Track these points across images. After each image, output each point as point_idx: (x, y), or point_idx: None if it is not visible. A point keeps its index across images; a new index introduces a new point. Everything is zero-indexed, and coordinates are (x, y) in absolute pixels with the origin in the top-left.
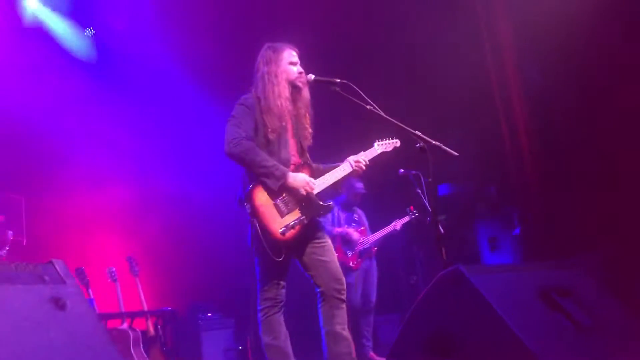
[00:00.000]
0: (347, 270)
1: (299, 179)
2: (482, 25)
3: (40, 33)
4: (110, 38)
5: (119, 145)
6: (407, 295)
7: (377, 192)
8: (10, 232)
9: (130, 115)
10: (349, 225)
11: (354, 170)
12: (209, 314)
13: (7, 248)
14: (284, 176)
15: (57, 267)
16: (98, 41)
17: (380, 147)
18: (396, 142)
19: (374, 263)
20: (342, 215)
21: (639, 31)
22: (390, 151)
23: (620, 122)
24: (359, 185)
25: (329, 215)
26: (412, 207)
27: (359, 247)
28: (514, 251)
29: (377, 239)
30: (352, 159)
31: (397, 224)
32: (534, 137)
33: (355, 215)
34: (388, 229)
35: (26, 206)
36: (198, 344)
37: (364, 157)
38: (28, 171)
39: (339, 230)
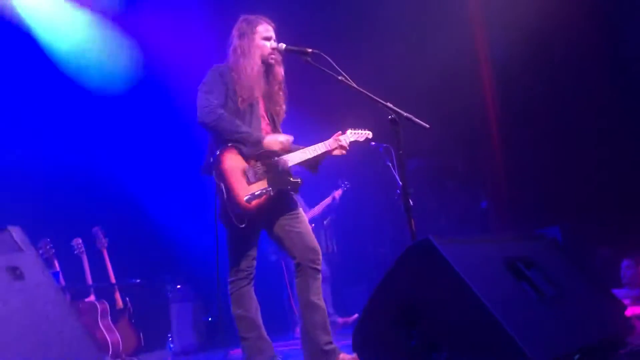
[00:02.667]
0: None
1: (275, 140)
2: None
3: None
4: None
5: (85, 113)
6: (376, 267)
7: (344, 164)
8: None
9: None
10: None
11: (327, 151)
12: (177, 286)
13: None
14: (258, 139)
15: (13, 234)
16: None
17: (353, 135)
18: (368, 134)
19: (329, 234)
20: None
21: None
22: (362, 142)
23: (581, 95)
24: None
25: None
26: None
27: None
28: (481, 224)
29: (314, 215)
30: (327, 142)
31: (336, 194)
32: (501, 111)
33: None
34: (325, 202)
35: None
36: (167, 316)
37: (344, 138)
38: None
39: None
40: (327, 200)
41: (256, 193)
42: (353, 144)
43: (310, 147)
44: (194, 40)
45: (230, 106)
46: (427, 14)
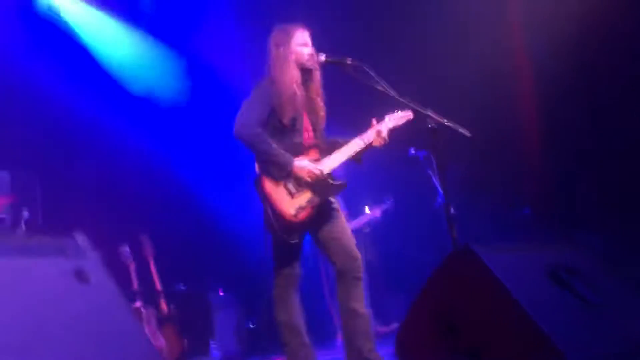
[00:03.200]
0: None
1: (303, 165)
2: (491, 5)
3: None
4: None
5: (137, 124)
6: (417, 275)
7: (386, 172)
8: (25, 212)
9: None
10: None
11: (367, 145)
12: (221, 293)
13: (23, 227)
14: (288, 164)
15: (78, 240)
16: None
17: (392, 121)
18: (409, 114)
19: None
20: None
21: None
22: (403, 124)
23: (627, 102)
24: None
25: None
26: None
27: None
28: (524, 231)
29: (354, 228)
30: (364, 135)
31: (377, 211)
32: (544, 117)
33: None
34: (367, 217)
35: (41, 185)
36: (210, 322)
37: (382, 129)
38: (44, 149)
39: None
40: (368, 217)
41: (302, 205)
42: (395, 129)
43: (348, 145)
44: (234, 47)
45: (274, 123)
46: (467, 21)
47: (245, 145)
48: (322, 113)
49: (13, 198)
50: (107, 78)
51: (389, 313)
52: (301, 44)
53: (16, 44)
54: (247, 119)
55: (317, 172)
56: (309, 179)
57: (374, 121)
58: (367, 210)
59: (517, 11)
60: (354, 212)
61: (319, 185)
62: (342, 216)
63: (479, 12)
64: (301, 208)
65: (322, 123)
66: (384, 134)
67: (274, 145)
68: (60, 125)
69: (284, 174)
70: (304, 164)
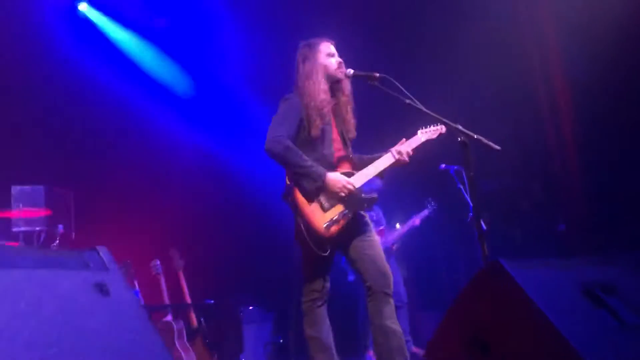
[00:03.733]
0: None
1: (336, 179)
2: (524, 17)
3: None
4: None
5: (163, 140)
6: (448, 292)
7: (415, 188)
8: (60, 226)
9: (180, 110)
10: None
11: (397, 161)
12: (250, 307)
13: (57, 241)
14: (320, 177)
15: (101, 253)
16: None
17: (425, 134)
18: (441, 128)
19: (393, 260)
20: None
21: None
22: (435, 138)
23: None
24: (377, 181)
25: None
26: (430, 199)
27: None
28: (558, 248)
29: (396, 237)
30: (395, 149)
31: (416, 220)
32: (579, 132)
33: (373, 214)
34: (407, 225)
35: (75, 200)
36: (239, 336)
37: (407, 147)
38: (77, 166)
39: None
40: (408, 226)
41: (334, 219)
42: (426, 142)
43: (377, 160)
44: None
45: (304, 135)
46: (500, 32)
47: (276, 160)
48: (352, 124)
49: (49, 211)
50: (141, 94)
51: (422, 330)
52: (328, 54)
53: (55, 61)
54: (277, 133)
55: (350, 186)
56: (341, 193)
57: (404, 139)
58: (397, 226)
59: (550, 20)
60: (392, 223)
61: (351, 198)
62: (373, 231)
63: (510, 22)
64: (333, 222)
65: (352, 134)
66: (404, 156)
67: (306, 158)
68: (93, 143)
69: (316, 186)
70: (336, 177)
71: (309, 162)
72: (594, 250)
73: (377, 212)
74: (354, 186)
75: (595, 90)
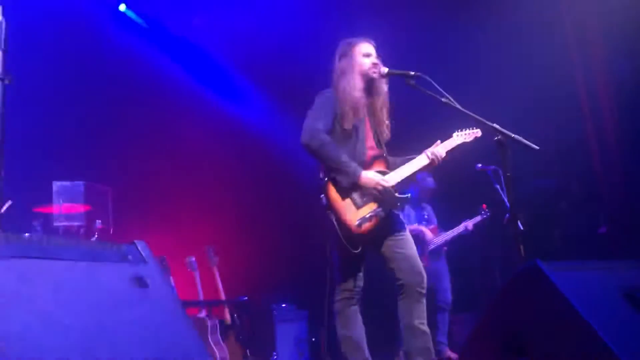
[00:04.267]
0: None
1: (370, 178)
2: (567, 16)
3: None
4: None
5: (199, 139)
6: (483, 294)
7: (452, 187)
8: (98, 221)
9: (215, 109)
10: (420, 222)
11: (431, 162)
12: (283, 305)
13: (96, 236)
14: (355, 174)
15: (139, 247)
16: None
17: (460, 137)
18: (477, 132)
19: (444, 262)
20: (412, 212)
21: None
22: (471, 141)
23: None
24: (430, 179)
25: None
26: (484, 206)
27: (431, 247)
28: (599, 250)
29: (448, 239)
30: (429, 150)
31: (469, 224)
32: (619, 131)
33: (425, 213)
34: (459, 228)
35: (113, 197)
36: (272, 334)
37: (441, 149)
38: (116, 163)
39: (412, 228)
40: (459, 229)
41: (367, 216)
42: (462, 145)
43: (412, 161)
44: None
45: (337, 130)
46: (540, 30)
47: (312, 154)
48: (387, 125)
49: (89, 207)
50: (182, 92)
51: (455, 332)
52: (365, 54)
53: (96, 60)
54: (312, 127)
55: (385, 184)
56: (375, 191)
57: (438, 141)
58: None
59: (592, 17)
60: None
61: (385, 197)
62: (407, 231)
63: (552, 20)
64: (365, 219)
65: (386, 135)
66: (437, 157)
67: (342, 153)
68: (131, 140)
69: (351, 182)
70: (371, 175)
71: (344, 159)
72: (636, 253)
73: (429, 211)
74: (388, 184)
75: (637, 89)
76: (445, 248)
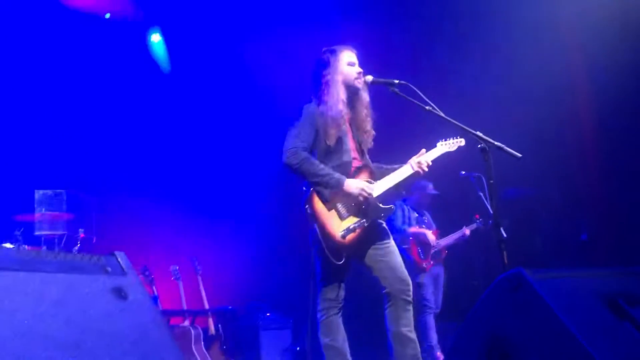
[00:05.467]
0: (418, 270)
1: (354, 186)
2: (546, 24)
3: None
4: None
5: (184, 147)
6: (466, 301)
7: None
8: (80, 230)
9: (199, 118)
10: (419, 226)
11: (415, 172)
12: (267, 314)
13: (79, 245)
14: (338, 184)
15: (119, 258)
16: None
17: (444, 146)
18: (460, 142)
19: (442, 269)
20: (413, 215)
21: None
22: (454, 151)
23: None
24: (430, 186)
25: (400, 213)
26: (477, 216)
27: (433, 250)
28: (580, 258)
29: (450, 243)
30: (413, 160)
31: (467, 230)
32: (600, 139)
33: (425, 218)
34: (458, 233)
35: (96, 205)
36: (257, 343)
37: (426, 158)
38: (99, 172)
39: (414, 230)
40: (458, 234)
41: (350, 227)
42: (446, 155)
43: (396, 171)
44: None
45: (321, 145)
46: (521, 41)
47: (294, 173)
48: (369, 133)
49: (71, 215)
50: (163, 105)
51: (440, 338)
52: (349, 63)
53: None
54: (292, 146)
55: (369, 190)
56: (360, 198)
57: (423, 150)
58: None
59: (572, 26)
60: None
61: (368, 207)
62: (391, 240)
63: (532, 29)
64: (349, 230)
65: (369, 143)
66: (423, 166)
67: (323, 167)
68: (115, 149)
69: (335, 193)
70: (355, 183)
71: (326, 171)
72: (617, 260)
73: (428, 216)
74: (372, 190)
75: (617, 99)
76: (445, 252)
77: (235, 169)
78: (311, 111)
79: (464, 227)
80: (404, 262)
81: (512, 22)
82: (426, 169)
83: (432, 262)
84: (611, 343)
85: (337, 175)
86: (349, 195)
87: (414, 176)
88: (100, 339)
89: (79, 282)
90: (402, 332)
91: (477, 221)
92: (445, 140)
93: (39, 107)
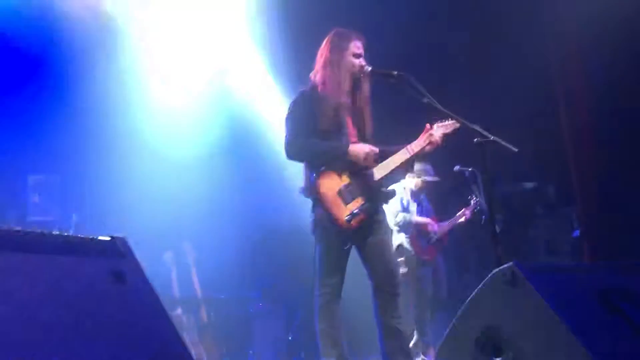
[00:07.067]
0: (422, 263)
1: (360, 149)
2: (543, 20)
3: None
4: None
5: (179, 132)
6: (459, 295)
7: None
8: (74, 215)
9: (196, 103)
10: (420, 215)
11: (418, 151)
12: (260, 303)
13: (72, 231)
14: (344, 149)
15: (118, 242)
16: None
17: (440, 128)
18: (455, 124)
19: (442, 258)
20: (413, 203)
21: None
22: (451, 133)
23: None
24: (431, 170)
25: (399, 205)
26: (471, 198)
27: (434, 239)
28: (574, 253)
29: (449, 229)
30: (409, 146)
31: (467, 212)
32: (594, 135)
33: (424, 205)
34: (459, 217)
35: (89, 190)
36: (249, 332)
37: (429, 134)
38: (92, 156)
39: (419, 219)
40: (459, 217)
41: (355, 211)
42: (444, 136)
43: (398, 153)
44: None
45: (318, 127)
46: (518, 34)
47: (300, 161)
48: (369, 122)
49: (65, 201)
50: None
51: (433, 331)
52: (356, 54)
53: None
54: (289, 137)
55: (375, 151)
56: (364, 162)
57: (427, 125)
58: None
59: (569, 21)
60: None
61: (371, 191)
62: (388, 230)
63: (529, 24)
64: (354, 214)
65: (369, 132)
66: (437, 138)
67: (324, 143)
68: (109, 133)
69: (344, 161)
70: (359, 146)
71: (327, 146)
72: (610, 256)
73: (427, 203)
74: (377, 151)
75: (613, 93)
76: (446, 239)
77: (231, 154)
78: (306, 95)
79: (464, 209)
80: (406, 255)
81: (510, 19)
82: (434, 145)
83: (434, 252)
84: (604, 337)
85: (338, 144)
86: (355, 160)
87: (420, 153)
88: (98, 322)
89: (77, 264)
90: (391, 324)
91: (474, 201)
92: (441, 121)
93: (31, 92)
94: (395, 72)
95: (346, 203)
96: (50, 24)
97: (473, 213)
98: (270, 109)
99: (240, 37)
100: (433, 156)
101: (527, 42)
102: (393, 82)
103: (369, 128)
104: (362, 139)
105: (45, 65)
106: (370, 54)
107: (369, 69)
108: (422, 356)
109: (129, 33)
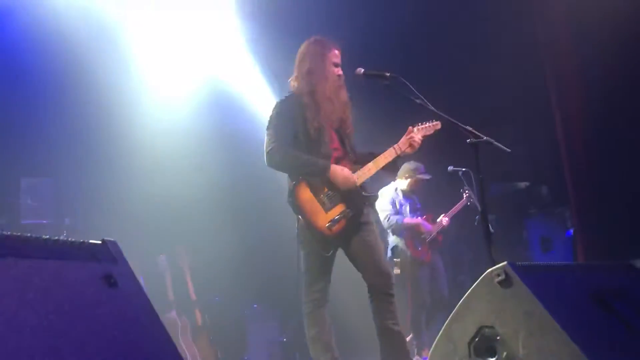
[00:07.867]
0: (419, 264)
1: (339, 174)
2: (537, 16)
3: None
4: None
5: (173, 136)
6: (454, 295)
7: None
8: (66, 219)
9: (189, 106)
10: (413, 214)
11: (397, 156)
12: (254, 306)
13: (64, 234)
14: (324, 171)
15: (109, 246)
16: None
17: (420, 131)
18: (436, 124)
19: (439, 256)
20: (405, 203)
21: None
22: (432, 134)
23: None
24: (422, 168)
25: (391, 207)
26: (463, 191)
27: (429, 238)
28: (567, 253)
29: (447, 224)
30: (396, 145)
31: (458, 206)
32: (588, 134)
33: (417, 205)
34: (452, 212)
35: (82, 194)
36: (243, 335)
37: (416, 135)
38: (87, 160)
39: (409, 221)
40: (458, 207)
41: (335, 218)
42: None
43: (380, 156)
44: None
45: (300, 137)
46: (510, 33)
47: (277, 169)
48: (351, 127)
49: (57, 204)
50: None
51: (429, 336)
52: (334, 63)
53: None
54: (270, 144)
55: (353, 179)
56: (343, 185)
57: (410, 128)
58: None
59: (562, 20)
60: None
61: (352, 196)
62: (375, 231)
63: (522, 23)
64: (335, 221)
65: (350, 137)
66: (417, 141)
67: (306, 157)
68: (102, 137)
69: (323, 178)
70: (340, 170)
71: (310, 160)
72: (603, 256)
73: (419, 204)
74: (355, 179)
75: (607, 94)
76: (440, 237)
77: (224, 158)
78: (287, 103)
79: (456, 205)
80: (402, 257)
81: (503, 18)
82: (413, 149)
83: (429, 252)
84: (596, 336)
85: (321, 162)
86: (334, 182)
87: (407, 153)
88: (89, 328)
89: (68, 268)
90: (387, 326)
91: (466, 190)
92: (421, 124)
93: (25, 95)
94: (388, 74)
95: (327, 210)
96: (44, 29)
97: (469, 200)
98: (266, 112)
99: (234, 36)
100: (428, 156)
101: (519, 42)
102: (386, 84)
103: (350, 134)
104: (342, 143)
105: (37, 68)
106: (362, 53)
107: (362, 71)
108: (416, 356)
109: (122, 36)
